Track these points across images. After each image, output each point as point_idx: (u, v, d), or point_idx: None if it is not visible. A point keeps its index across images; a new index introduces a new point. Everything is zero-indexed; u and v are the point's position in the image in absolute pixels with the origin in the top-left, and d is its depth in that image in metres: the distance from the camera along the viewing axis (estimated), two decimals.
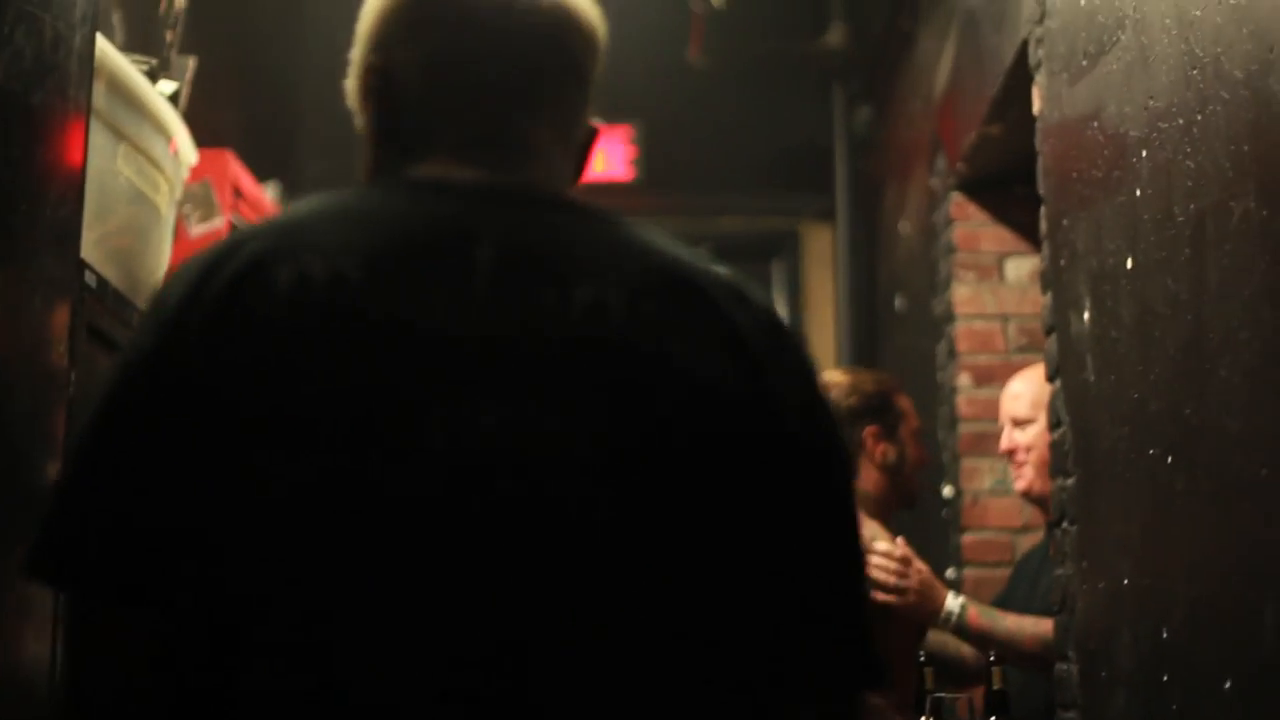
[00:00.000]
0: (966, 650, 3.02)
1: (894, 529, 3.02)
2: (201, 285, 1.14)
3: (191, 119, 2.83)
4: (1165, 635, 2.00)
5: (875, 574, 2.85)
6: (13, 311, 1.78)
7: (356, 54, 1.32)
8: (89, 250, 2.08)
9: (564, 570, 1.10)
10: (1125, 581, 2.19)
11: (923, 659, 2.67)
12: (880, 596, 2.83)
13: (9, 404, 1.77)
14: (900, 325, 4.90)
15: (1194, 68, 1.89)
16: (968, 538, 3.92)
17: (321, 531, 1.09)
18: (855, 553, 1.23)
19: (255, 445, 1.09)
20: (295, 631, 1.09)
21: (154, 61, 2.72)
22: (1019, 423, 3.09)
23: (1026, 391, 3.09)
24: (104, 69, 2.16)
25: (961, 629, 2.88)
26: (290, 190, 4.81)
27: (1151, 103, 2.06)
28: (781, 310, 5.95)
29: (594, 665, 1.10)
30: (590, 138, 1.35)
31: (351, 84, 1.33)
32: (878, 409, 3.08)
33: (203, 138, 2.87)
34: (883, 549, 2.88)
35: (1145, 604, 2.11)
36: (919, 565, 2.91)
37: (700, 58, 5.43)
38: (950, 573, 3.94)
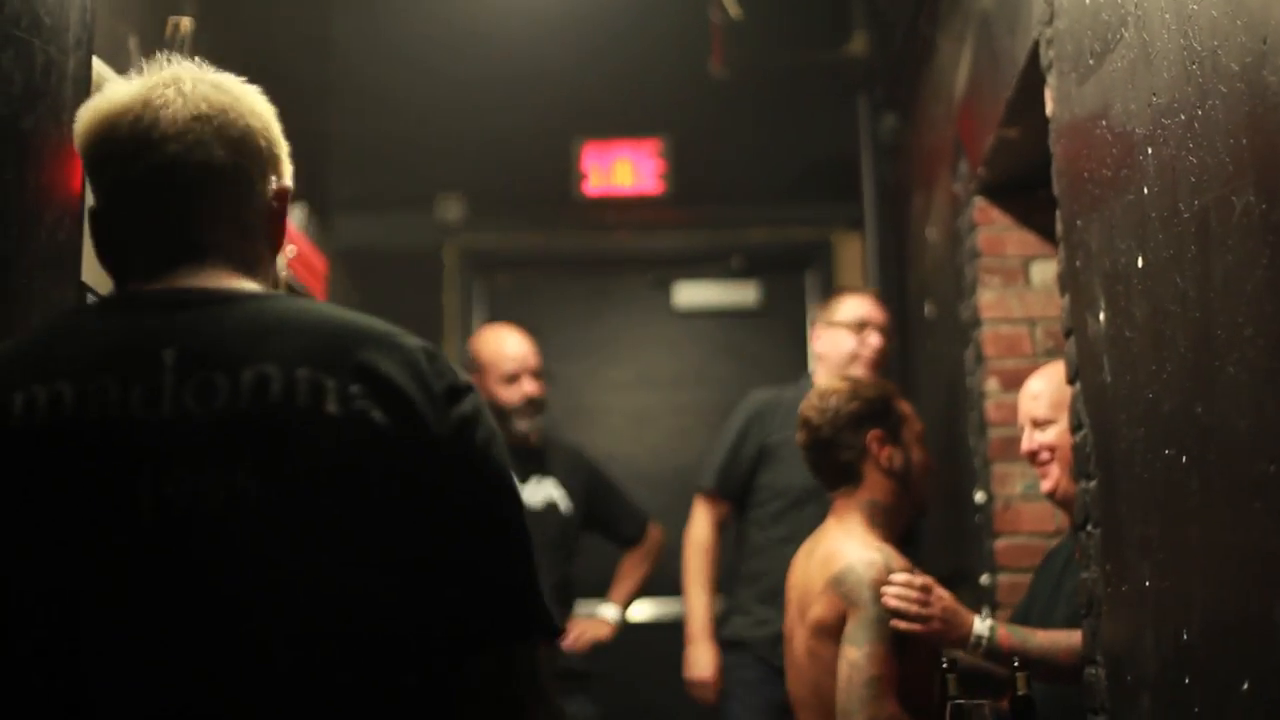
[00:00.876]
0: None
1: (909, 543, 2.95)
2: None
3: None
4: (1185, 637, 1.98)
5: (896, 604, 2.79)
6: (7, 333, 1.80)
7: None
8: (92, 268, 2.09)
9: (264, 602, 1.36)
10: (1147, 584, 2.17)
11: (945, 665, 2.63)
12: (903, 627, 2.78)
13: None
14: (930, 332, 4.87)
15: (1193, 62, 1.87)
16: (1000, 543, 3.88)
17: (57, 593, 1.35)
18: (512, 530, 1.48)
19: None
20: (38, 680, 1.34)
21: None
22: (1039, 423, 3.04)
23: (1045, 392, 3.03)
24: None
25: (993, 652, 2.81)
26: (319, 213, 4.82)
27: (1155, 99, 2.04)
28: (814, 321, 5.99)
29: (295, 671, 1.36)
30: (281, 198, 1.60)
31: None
32: (880, 413, 3.04)
33: None
34: (902, 579, 2.81)
35: (1166, 606, 2.08)
36: (940, 592, 2.85)
37: (723, 70, 5.43)
38: (984, 579, 3.91)
